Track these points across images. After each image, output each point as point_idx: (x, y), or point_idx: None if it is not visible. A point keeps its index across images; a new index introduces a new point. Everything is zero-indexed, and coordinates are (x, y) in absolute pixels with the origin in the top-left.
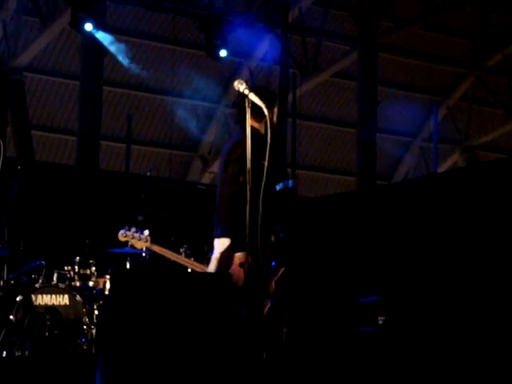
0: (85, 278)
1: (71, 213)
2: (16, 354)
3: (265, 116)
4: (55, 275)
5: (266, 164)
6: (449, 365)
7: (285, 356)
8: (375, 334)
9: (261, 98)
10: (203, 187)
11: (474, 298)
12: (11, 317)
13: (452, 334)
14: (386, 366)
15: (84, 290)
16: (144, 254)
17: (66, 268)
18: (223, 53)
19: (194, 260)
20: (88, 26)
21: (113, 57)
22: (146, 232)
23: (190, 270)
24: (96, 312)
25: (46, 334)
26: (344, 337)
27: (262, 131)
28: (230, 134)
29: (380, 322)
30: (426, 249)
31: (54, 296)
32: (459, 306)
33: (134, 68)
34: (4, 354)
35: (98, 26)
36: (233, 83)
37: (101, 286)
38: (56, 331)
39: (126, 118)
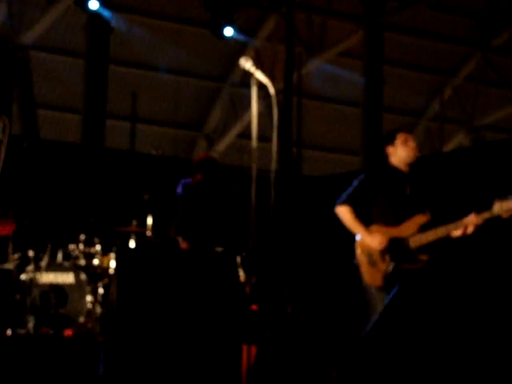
0: (90, 257)
1: (76, 191)
2: (20, 332)
3: None
4: (60, 254)
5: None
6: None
7: (289, 336)
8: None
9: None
10: None
11: (490, 279)
12: (16, 295)
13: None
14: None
15: (89, 268)
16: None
17: (70, 246)
18: (228, 31)
19: None
20: (93, 4)
21: (118, 35)
22: None
23: None
24: (101, 290)
25: (51, 312)
26: (348, 316)
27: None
28: (236, 113)
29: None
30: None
31: (58, 274)
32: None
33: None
34: (8, 332)
35: (103, 4)
36: (238, 62)
37: (106, 265)
38: (61, 309)
39: (131, 96)
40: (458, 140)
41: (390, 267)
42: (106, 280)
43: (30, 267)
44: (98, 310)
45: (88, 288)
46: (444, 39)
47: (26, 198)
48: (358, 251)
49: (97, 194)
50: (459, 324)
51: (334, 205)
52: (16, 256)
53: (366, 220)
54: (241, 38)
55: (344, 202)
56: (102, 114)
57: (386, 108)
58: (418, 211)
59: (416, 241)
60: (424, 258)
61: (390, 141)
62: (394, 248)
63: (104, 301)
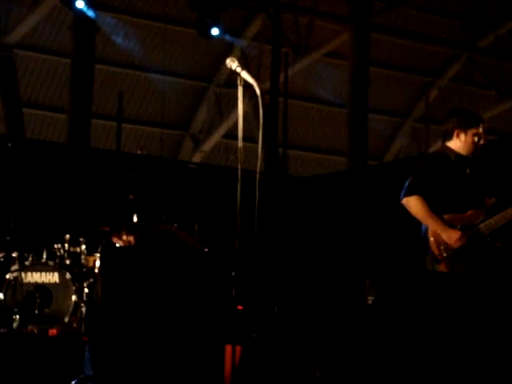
0: (75, 256)
1: (61, 191)
2: (4, 331)
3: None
4: (45, 253)
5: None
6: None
7: (274, 336)
8: (364, 314)
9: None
10: (194, 166)
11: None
12: (0, 294)
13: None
14: (376, 345)
15: (74, 267)
16: None
17: (55, 246)
18: (215, 31)
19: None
20: (79, 3)
21: (104, 34)
22: None
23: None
24: (86, 290)
25: (36, 311)
26: (335, 316)
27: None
28: (222, 114)
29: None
30: (417, 228)
31: (43, 274)
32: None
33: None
34: None
35: (89, 4)
36: (224, 62)
37: (91, 264)
38: (46, 309)
39: (117, 96)
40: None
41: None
42: (91, 279)
43: (15, 267)
44: (83, 309)
45: (73, 287)
46: (430, 40)
47: (11, 197)
48: (433, 243)
49: (82, 193)
50: (445, 324)
51: (320, 205)
52: (1, 255)
53: (433, 208)
54: (227, 38)
55: (414, 192)
56: (87, 114)
57: (372, 109)
58: (483, 196)
59: (488, 226)
60: (498, 244)
61: (471, 125)
62: (472, 241)
63: (89, 300)
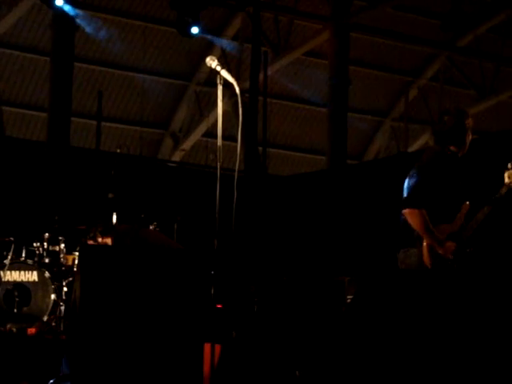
0: (54, 255)
1: (41, 189)
2: None
3: None
4: (24, 251)
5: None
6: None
7: (254, 335)
8: (343, 313)
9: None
10: (174, 165)
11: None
12: None
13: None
14: (355, 344)
15: (53, 266)
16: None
17: (34, 244)
18: (195, 30)
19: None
20: (59, 1)
21: (84, 33)
22: None
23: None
24: (65, 289)
25: (15, 310)
26: (314, 315)
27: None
28: (201, 113)
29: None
30: (395, 227)
31: (22, 272)
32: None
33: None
34: None
35: (68, 1)
36: (204, 61)
37: (70, 263)
38: (24, 308)
39: (96, 94)
40: (423, 140)
41: None
42: (70, 278)
43: None
44: (62, 308)
45: (52, 286)
46: (409, 40)
47: None
48: (427, 257)
49: (61, 192)
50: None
51: (299, 204)
52: None
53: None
54: (207, 36)
55: (419, 206)
56: (67, 112)
57: (352, 108)
58: (466, 199)
59: (468, 230)
60: (469, 249)
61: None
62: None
63: (68, 299)
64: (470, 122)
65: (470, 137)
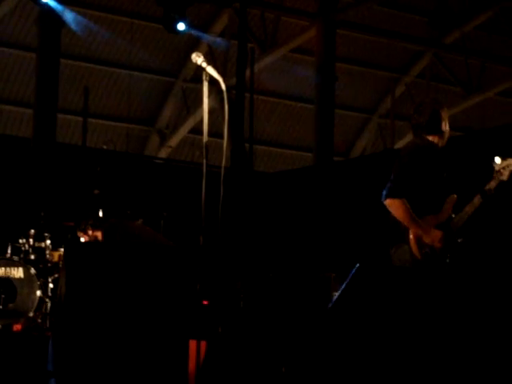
0: (39, 251)
1: (27, 186)
2: None
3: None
4: (10, 248)
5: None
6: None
7: (240, 331)
8: (329, 309)
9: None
10: (160, 162)
11: None
12: None
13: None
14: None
15: (39, 263)
16: None
17: (20, 241)
18: (181, 26)
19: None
20: None
21: (70, 29)
22: None
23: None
24: (51, 285)
25: (0, 306)
26: (300, 311)
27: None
28: (188, 109)
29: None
30: (382, 223)
31: (8, 269)
32: None
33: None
34: None
35: None
36: (190, 57)
37: (55, 260)
38: (10, 304)
39: (82, 91)
40: (409, 137)
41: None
42: (55, 275)
43: None
44: (48, 304)
45: (38, 283)
46: (396, 36)
47: None
48: (414, 245)
49: (47, 188)
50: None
51: (286, 201)
52: None
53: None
54: (194, 33)
55: (398, 195)
56: (53, 109)
57: (339, 104)
58: (451, 192)
59: (459, 222)
60: (459, 240)
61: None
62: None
63: (54, 295)
64: (445, 111)
65: (448, 127)
